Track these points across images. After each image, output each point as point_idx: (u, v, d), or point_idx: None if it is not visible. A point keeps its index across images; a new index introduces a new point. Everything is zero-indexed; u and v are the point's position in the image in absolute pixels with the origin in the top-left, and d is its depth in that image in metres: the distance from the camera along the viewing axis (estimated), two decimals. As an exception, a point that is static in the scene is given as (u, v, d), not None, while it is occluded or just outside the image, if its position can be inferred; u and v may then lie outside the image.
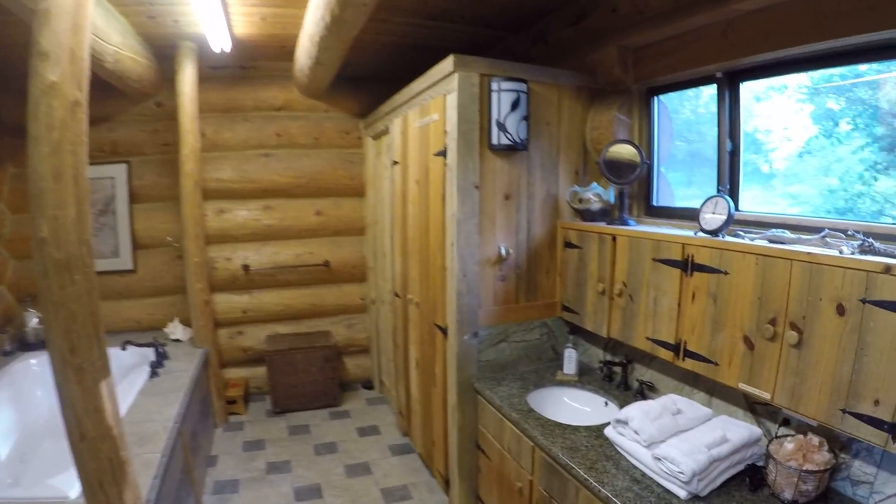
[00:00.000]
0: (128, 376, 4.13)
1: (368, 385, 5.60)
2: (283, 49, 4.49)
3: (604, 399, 3.05)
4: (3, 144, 4.58)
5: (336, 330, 5.46)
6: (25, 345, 4.51)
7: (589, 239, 3.02)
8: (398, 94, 4.02)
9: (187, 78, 4.39)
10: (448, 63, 2.98)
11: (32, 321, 4.56)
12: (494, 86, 2.95)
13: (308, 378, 5.04)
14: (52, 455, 3.89)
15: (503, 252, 3.15)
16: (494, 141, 3.00)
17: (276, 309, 5.33)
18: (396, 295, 4.30)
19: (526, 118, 3.03)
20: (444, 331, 3.29)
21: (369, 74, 5.04)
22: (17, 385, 4.14)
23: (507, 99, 2.95)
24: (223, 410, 4.92)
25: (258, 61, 4.94)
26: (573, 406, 3.13)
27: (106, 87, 3.93)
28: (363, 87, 5.19)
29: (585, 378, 3.23)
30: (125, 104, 4.82)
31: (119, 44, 3.53)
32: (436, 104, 3.22)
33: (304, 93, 4.99)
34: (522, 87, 2.98)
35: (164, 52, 4.41)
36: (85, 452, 1.99)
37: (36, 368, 4.31)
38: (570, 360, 3.24)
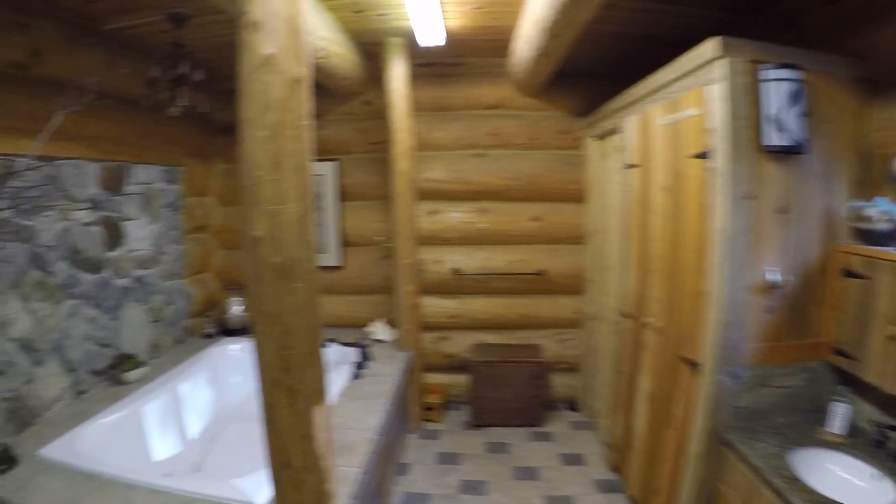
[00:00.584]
0: (328, 375, 4.05)
1: (573, 407, 5.18)
2: (495, 43, 4.21)
3: (873, 470, 2.41)
4: (213, 142, 4.88)
5: (546, 344, 5.10)
6: (227, 330, 4.70)
7: (880, 268, 2.38)
8: (633, 88, 3.56)
9: (397, 74, 4.26)
10: (708, 48, 2.50)
11: (235, 308, 4.72)
12: (767, 74, 2.42)
13: (512, 393, 4.72)
14: (239, 437, 4.06)
15: (775, 278, 2.60)
16: (768, 141, 2.46)
17: (484, 317, 5.07)
18: (626, 315, 3.83)
19: (805, 114, 2.47)
20: (694, 365, 2.79)
21: (586, 70, 4.62)
22: (215, 368, 4.33)
23: (784, 90, 2.40)
24: (420, 416, 4.75)
25: (467, 58, 4.72)
26: (841, 476, 2.51)
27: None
28: (580, 84, 4.79)
29: (853, 440, 2.60)
30: (333, 103, 4.88)
31: (327, 39, 3.41)
32: (691, 97, 2.73)
33: (519, 90, 4.68)
34: (799, 76, 2.42)
35: (369, 50, 4.32)
36: (287, 482, 1.77)
37: (235, 354, 4.43)
38: (840, 417, 2.62)
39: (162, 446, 3.67)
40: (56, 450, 3.05)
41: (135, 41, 3.62)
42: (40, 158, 3.22)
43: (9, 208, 3.15)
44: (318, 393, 1.72)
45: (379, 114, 4.61)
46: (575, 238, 4.97)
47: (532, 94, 4.71)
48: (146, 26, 3.37)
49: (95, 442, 3.22)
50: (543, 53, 3.40)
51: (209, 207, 4.99)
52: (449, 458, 4.26)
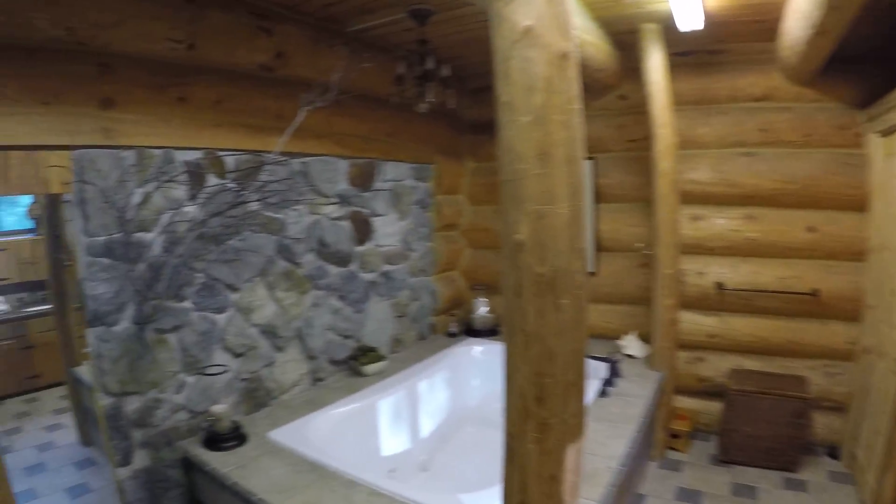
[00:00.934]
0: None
1: (833, 454, 4.43)
2: (759, 25, 3.62)
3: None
4: (462, 139, 4.80)
5: (811, 377, 4.41)
6: (471, 330, 4.60)
7: None
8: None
9: (655, 64, 3.83)
10: None
11: (481, 309, 4.62)
12: None
13: (769, 430, 4.11)
14: (471, 442, 3.96)
15: None
16: None
17: (747, 339, 4.46)
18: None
19: None
20: None
21: (868, 52, 3.82)
22: (455, 368, 4.26)
23: None
24: (663, 443, 4.30)
25: (728, 43, 4.13)
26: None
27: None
28: (857, 69, 3.99)
29: None
30: (587, 98, 4.45)
31: (579, 28, 3.11)
32: None
33: (789, 77, 4.01)
34: None
35: (621, 39, 3.94)
36: None
37: (477, 356, 4.31)
38: None
39: (391, 442, 3.67)
40: (285, 434, 3.13)
41: (378, 40, 3.68)
42: (289, 155, 3.34)
43: (258, 201, 3.29)
44: (574, 430, 1.45)
45: (636, 109, 4.22)
46: (854, 254, 4.16)
47: (804, 82, 4.01)
48: (389, 25, 3.39)
49: (326, 431, 3.26)
50: (819, 31, 2.82)
51: (459, 206, 4.95)
52: (689, 496, 3.78)
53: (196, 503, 3.11)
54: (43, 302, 6.03)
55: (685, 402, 4.59)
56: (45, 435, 4.79)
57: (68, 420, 4.81)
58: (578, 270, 1.34)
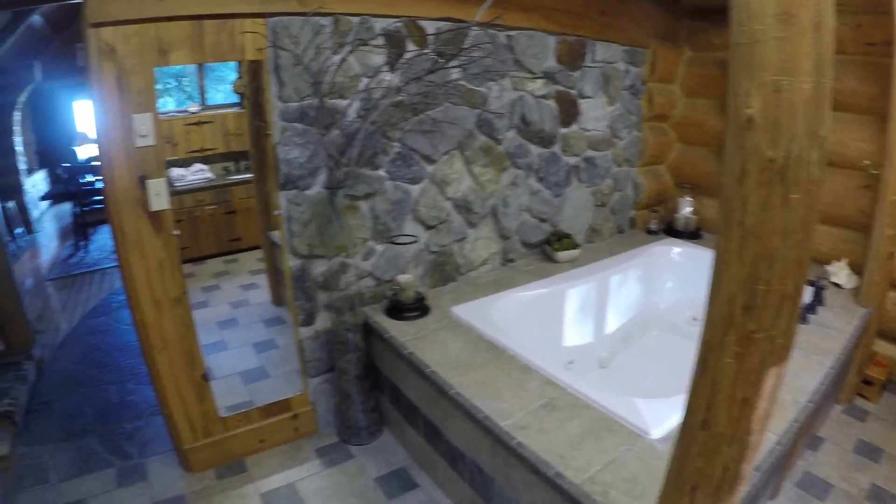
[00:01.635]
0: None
1: None
2: None
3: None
4: (680, 25, 4.37)
5: None
6: (672, 231, 4.34)
7: None
8: None
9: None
10: None
11: (685, 209, 4.31)
12: None
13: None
14: (655, 346, 3.83)
15: None
16: None
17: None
18: None
19: None
20: None
21: None
22: (650, 267, 4.08)
23: None
24: (853, 388, 3.83)
25: None
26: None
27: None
28: None
29: None
30: None
31: None
32: None
33: None
34: None
35: None
36: (697, 445, 1.36)
37: (675, 258, 4.06)
38: None
39: (574, 333, 3.60)
40: (468, 311, 3.14)
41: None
42: (494, 26, 3.14)
43: (460, 72, 3.18)
44: (780, 351, 1.25)
45: (878, 7, 3.51)
46: None
47: None
48: None
49: (510, 313, 3.23)
50: None
51: (672, 96, 4.56)
52: (869, 451, 3.36)
53: (370, 368, 3.24)
54: (245, 171, 6.47)
55: (886, 349, 4.03)
56: (240, 293, 5.23)
57: (262, 281, 5.19)
58: (816, 161, 1.09)
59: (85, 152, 10.00)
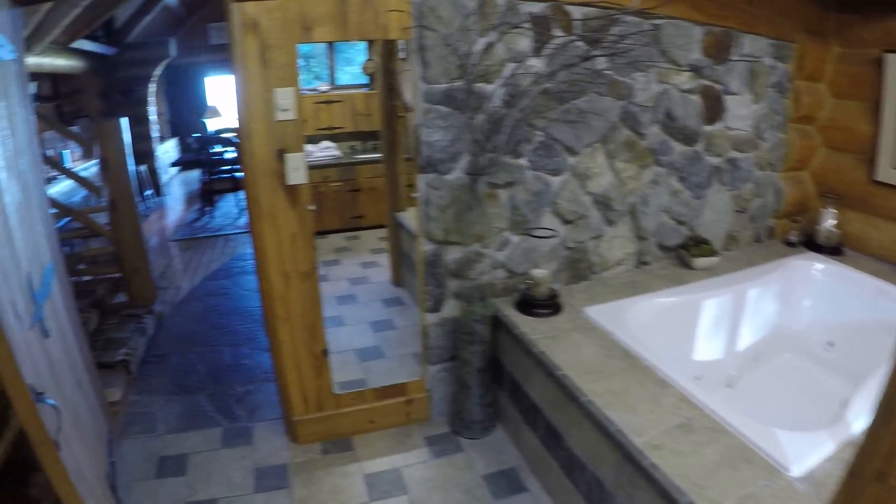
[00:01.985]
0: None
1: None
2: None
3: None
4: (830, 18, 3.93)
5: None
6: (812, 244, 4.01)
7: None
8: None
9: None
10: None
11: (827, 222, 3.97)
12: None
13: None
14: (788, 371, 3.54)
15: None
16: None
17: None
18: None
19: None
20: None
21: None
22: (788, 282, 3.76)
23: None
24: None
25: None
26: None
27: None
28: None
29: None
30: None
31: None
32: None
33: None
34: None
35: None
36: (861, 498, 1.18)
37: (816, 274, 3.77)
38: None
39: (704, 347, 3.41)
40: (602, 313, 3.01)
41: None
42: (641, 14, 2.98)
43: (607, 61, 3.03)
44: None
45: None
46: None
47: None
48: None
49: (643, 319, 3.10)
50: None
51: (819, 96, 4.22)
52: None
53: (494, 362, 3.15)
54: (372, 151, 6.55)
55: None
56: (361, 270, 5.27)
57: (384, 260, 5.21)
58: None
59: (214, 125, 10.40)
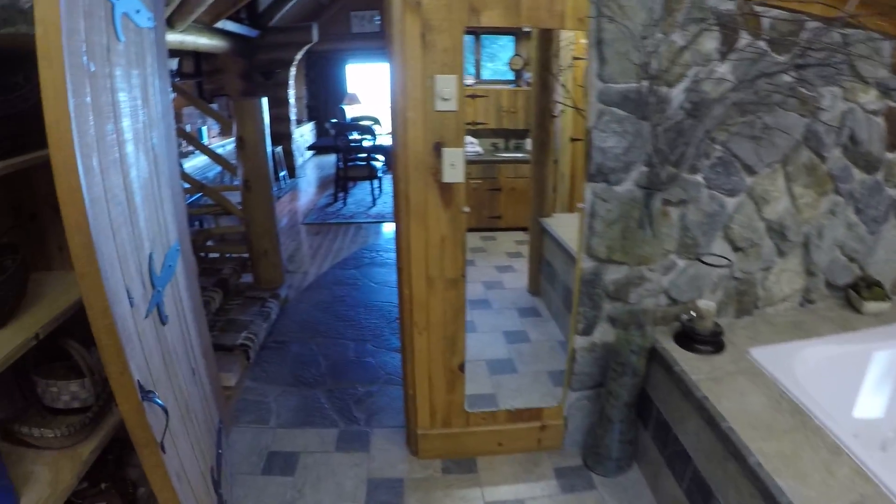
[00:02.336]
0: None
1: None
2: None
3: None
4: None
5: None
6: None
7: None
8: None
9: None
10: None
11: None
12: None
13: None
14: None
15: None
16: None
17: None
18: None
19: None
20: None
21: None
22: None
23: None
24: None
25: None
26: None
27: None
28: None
29: None
30: None
31: None
32: None
33: None
34: None
35: None
36: None
37: None
38: None
39: (866, 403, 2.95)
40: (768, 356, 2.63)
41: None
42: (828, 21, 2.53)
43: (795, 72, 2.59)
44: None
45: None
46: None
47: None
48: None
49: (809, 366, 2.70)
50: None
51: None
52: None
53: (643, 397, 2.82)
54: (515, 150, 6.27)
55: None
56: (496, 274, 4.98)
57: (520, 265, 4.92)
58: None
59: (352, 111, 10.47)
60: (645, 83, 2.41)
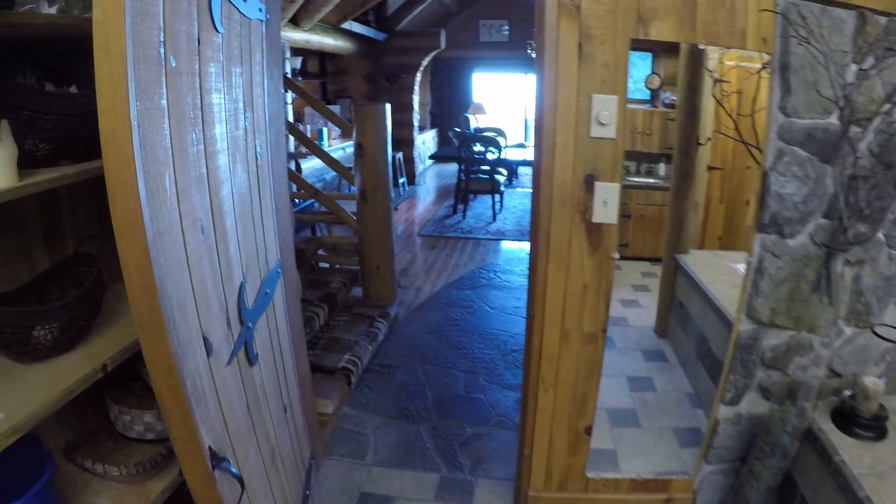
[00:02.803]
0: None
1: None
2: None
3: None
4: None
5: None
6: None
7: None
8: None
9: None
10: None
11: None
12: None
13: None
14: None
15: None
16: None
17: None
18: None
19: None
20: None
21: None
22: None
23: None
24: None
25: None
26: None
27: None
28: None
29: None
30: None
31: None
32: None
33: None
34: None
35: None
36: None
37: None
38: None
39: None
40: None
41: None
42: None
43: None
44: None
45: None
46: None
47: None
48: None
49: None
50: None
51: None
52: None
53: (788, 481, 2.37)
54: (647, 175, 5.79)
55: None
56: (620, 308, 4.51)
57: (647, 301, 4.45)
58: None
59: (476, 122, 10.24)
60: (835, 120, 1.96)
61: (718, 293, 3.17)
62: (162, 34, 1.05)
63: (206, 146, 1.29)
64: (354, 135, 4.02)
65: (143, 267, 1.02)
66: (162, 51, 1.05)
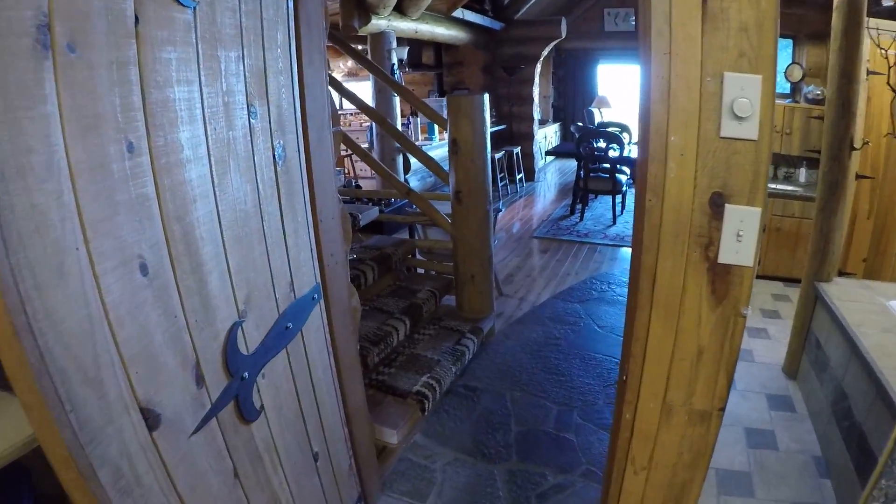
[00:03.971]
0: None
1: None
2: None
3: None
4: None
5: None
6: None
7: None
8: None
9: None
10: None
11: None
12: None
13: None
14: None
15: None
16: None
17: None
18: None
19: None
20: None
21: None
22: None
23: None
24: None
25: None
26: None
27: None
28: None
29: None
30: None
31: None
32: None
33: None
34: None
35: None
36: None
37: None
38: None
39: None
40: None
41: None
42: None
43: None
44: None
45: None
46: None
47: None
48: None
49: None
50: None
51: None
52: None
53: None
54: (785, 180, 5.14)
55: None
56: (745, 338, 3.88)
57: (778, 332, 3.87)
58: None
59: (600, 116, 9.74)
60: None
61: (867, 341, 2.53)
62: (45, 16, 0.77)
63: (156, 157, 1.00)
64: (448, 129, 3.70)
65: (7, 336, 0.75)
66: (45, 37, 0.77)
